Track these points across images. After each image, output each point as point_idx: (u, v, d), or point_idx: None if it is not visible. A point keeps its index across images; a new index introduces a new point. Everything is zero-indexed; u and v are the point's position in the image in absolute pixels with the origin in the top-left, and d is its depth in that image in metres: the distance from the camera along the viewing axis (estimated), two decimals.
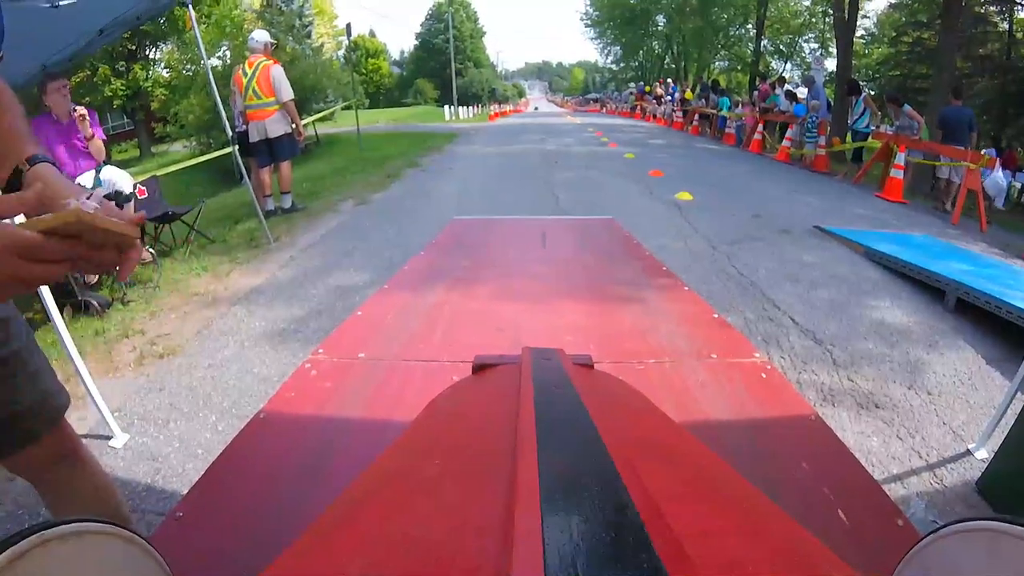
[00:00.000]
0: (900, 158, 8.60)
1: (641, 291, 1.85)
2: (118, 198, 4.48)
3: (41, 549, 0.39)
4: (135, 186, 5.29)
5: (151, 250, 4.76)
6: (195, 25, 4.64)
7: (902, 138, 9.01)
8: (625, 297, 1.82)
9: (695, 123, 16.82)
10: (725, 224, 5.56)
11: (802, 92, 12.71)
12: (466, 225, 2.91)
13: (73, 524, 0.41)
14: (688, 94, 16.67)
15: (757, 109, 13.76)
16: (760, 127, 13.04)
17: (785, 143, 11.86)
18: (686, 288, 1.88)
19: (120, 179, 4.50)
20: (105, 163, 4.69)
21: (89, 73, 18.02)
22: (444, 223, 2.84)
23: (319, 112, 12.34)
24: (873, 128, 9.97)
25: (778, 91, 12.92)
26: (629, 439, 0.58)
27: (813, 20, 29.38)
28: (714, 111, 15.79)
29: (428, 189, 7.58)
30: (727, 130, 14.79)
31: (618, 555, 0.34)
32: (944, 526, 0.44)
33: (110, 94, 18.33)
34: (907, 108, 9.21)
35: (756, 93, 14.94)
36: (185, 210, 5.36)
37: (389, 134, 15.56)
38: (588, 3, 40.22)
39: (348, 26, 11.68)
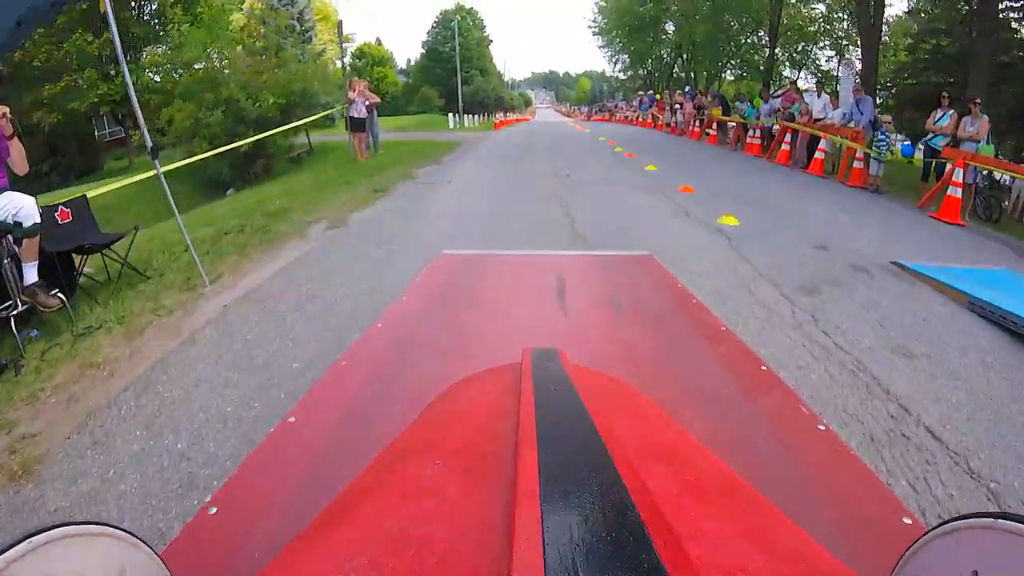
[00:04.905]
0: (958, 174, 7.55)
1: (699, 367, 1.30)
2: (14, 231, 3.49)
3: (39, 551, 0.38)
4: (55, 211, 4.31)
5: (60, 295, 3.73)
6: (108, 9, 3.61)
7: (961, 152, 7.96)
8: (676, 373, 1.26)
9: (712, 132, 15.79)
10: (788, 260, 4.51)
11: (818, 102, 11.72)
12: (456, 263, 2.19)
13: (72, 527, 0.40)
14: (715, 111, 15.70)
15: (780, 118, 12.76)
16: (787, 136, 12.02)
17: (818, 155, 10.81)
18: (764, 367, 1.26)
19: (22, 208, 3.47)
20: (12, 186, 3.68)
21: (75, 78, 17.22)
22: (432, 256, 2.21)
23: (306, 118, 11.38)
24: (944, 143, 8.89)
25: (821, 97, 11.90)
26: (629, 439, 0.57)
27: (828, 27, 28.46)
28: (737, 121, 14.78)
29: (419, 207, 6.54)
30: (750, 140, 13.77)
31: (618, 555, 0.34)
32: (943, 524, 0.43)
33: (96, 100, 17.48)
34: (984, 118, 8.18)
35: (779, 100, 13.92)
36: (111, 239, 4.35)
37: (389, 142, 14.59)
38: (596, 11, 39.44)
39: (339, 24, 10.80)
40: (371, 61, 56.62)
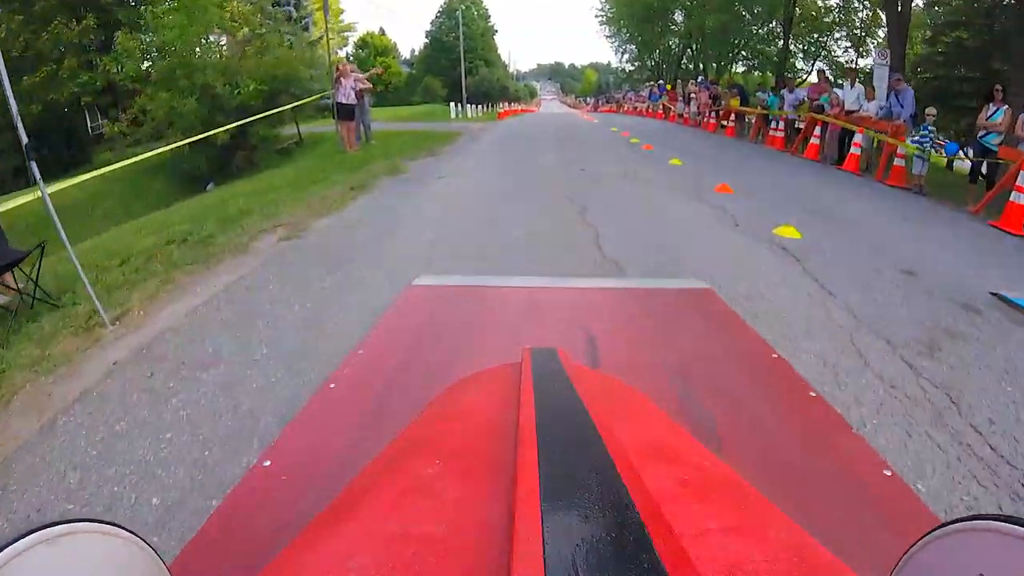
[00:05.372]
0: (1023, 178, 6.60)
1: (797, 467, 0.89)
2: None
3: (37, 550, 0.38)
4: None
5: None
6: None
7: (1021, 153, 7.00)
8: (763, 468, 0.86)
9: (730, 124, 14.78)
10: (881, 294, 3.55)
11: (851, 93, 10.73)
12: (434, 300, 1.62)
13: (70, 524, 0.40)
14: (734, 101, 14.66)
15: (807, 109, 11.79)
16: (816, 130, 11.05)
17: (854, 150, 9.85)
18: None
19: None
20: None
21: (54, 67, 16.21)
22: (406, 281, 1.64)
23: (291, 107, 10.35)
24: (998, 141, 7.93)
25: (854, 87, 10.91)
26: (629, 439, 0.56)
27: (844, 18, 27.42)
28: (758, 112, 13.80)
29: (401, 211, 5.57)
30: (772, 132, 12.80)
31: (618, 555, 0.34)
32: (943, 525, 0.43)
33: (77, 90, 16.42)
34: None
35: (805, 91, 12.95)
36: (13, 258, 3.45)
37: (383, 132, 13.62)
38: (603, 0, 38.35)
39: (325, 1, 9.79)
40: (374, 51, 55.71)
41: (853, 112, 10.64)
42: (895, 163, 9.11)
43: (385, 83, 56.86)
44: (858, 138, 9.83)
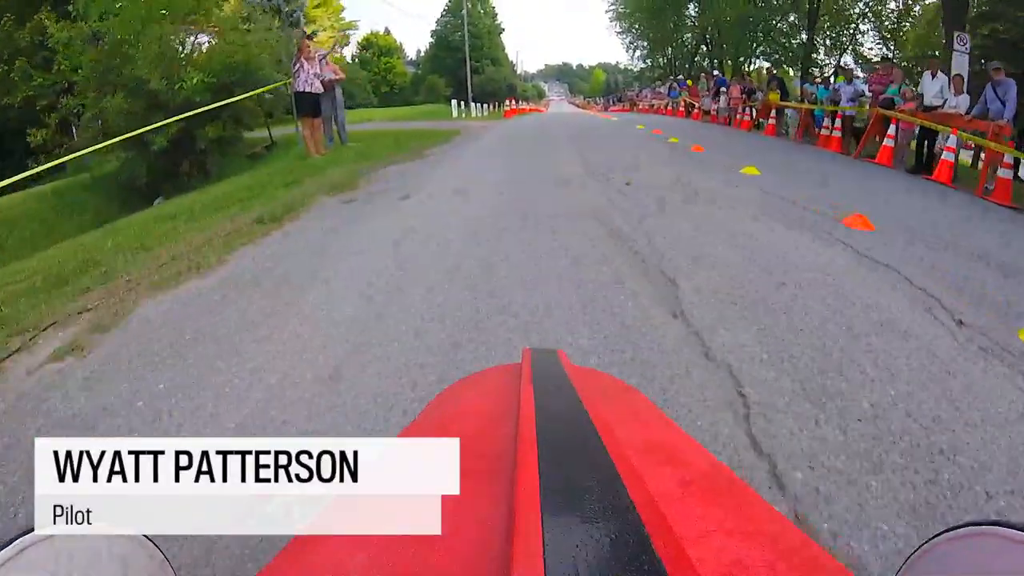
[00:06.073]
0: None
1: None
2: None
3: (41, 546, 0.38)
4: None
5: None
6: None
7: None
8: None
9: (770, 121, 12.76)
10: None
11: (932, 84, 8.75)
12: None
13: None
14: (774, 95, 12.65)
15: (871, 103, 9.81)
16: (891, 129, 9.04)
17: (947, 155, 7.85)
18: None
19: None
20: None
21: (4, 68, 14.43)
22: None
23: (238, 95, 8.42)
24: None
25: (936, 78, 8.91)
26: (629, 439, 0.57)
27: (877, 7, 25.59)
28: (806, 107, 11.78)
29: (325, 259, 3.53)
30: (823, 131, 10.81)
31: (618, 555, 0.35)
32: (947, 530, 0.43)
33: (31, 93, 14.57)
34: None
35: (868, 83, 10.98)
36: None
37: (366, 133, 11.75)
38: None
39: None
40: (378, 51, 54.37)
41: (935, 108, 8.65)
42: (1000, 174, 7.12)
43: (390, 84, 55.37)
44: (951, 141, 7.83)
